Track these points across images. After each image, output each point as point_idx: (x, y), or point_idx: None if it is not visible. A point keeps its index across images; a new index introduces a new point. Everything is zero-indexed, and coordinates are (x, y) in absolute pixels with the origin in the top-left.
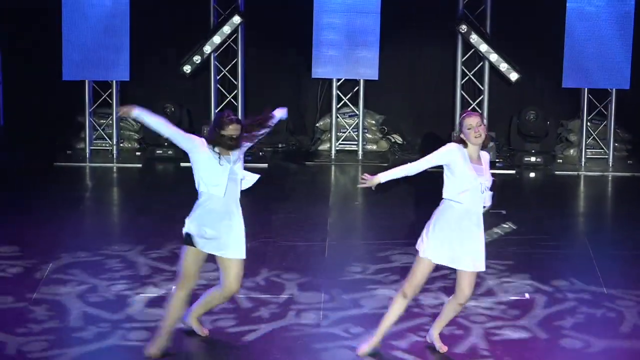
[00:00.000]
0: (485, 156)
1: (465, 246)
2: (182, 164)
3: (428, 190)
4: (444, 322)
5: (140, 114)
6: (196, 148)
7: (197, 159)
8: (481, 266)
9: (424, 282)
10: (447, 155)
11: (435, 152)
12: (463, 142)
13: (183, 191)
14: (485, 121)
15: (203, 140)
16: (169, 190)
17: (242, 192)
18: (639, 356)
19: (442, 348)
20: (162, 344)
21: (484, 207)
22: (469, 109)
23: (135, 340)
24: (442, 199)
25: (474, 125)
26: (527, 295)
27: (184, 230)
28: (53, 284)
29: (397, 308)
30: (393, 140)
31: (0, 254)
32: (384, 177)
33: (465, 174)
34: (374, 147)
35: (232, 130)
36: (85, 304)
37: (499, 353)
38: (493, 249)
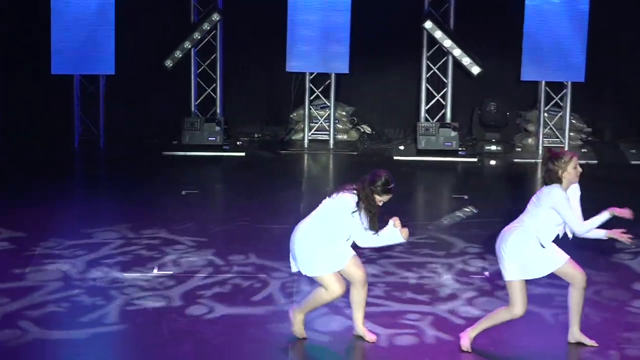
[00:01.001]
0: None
1: None
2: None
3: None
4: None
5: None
6: None
7: None
8: None
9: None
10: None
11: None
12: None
13: None
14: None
15: None
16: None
17: (221, 179)
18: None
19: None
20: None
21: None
22: (433, 101)
23: None
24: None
25: (577, 165)
26: (486, 274)
27: None
28: None
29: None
30: (362, 130)
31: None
32: None
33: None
34: (345, 136)
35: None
36: None
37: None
38: (456, 231)
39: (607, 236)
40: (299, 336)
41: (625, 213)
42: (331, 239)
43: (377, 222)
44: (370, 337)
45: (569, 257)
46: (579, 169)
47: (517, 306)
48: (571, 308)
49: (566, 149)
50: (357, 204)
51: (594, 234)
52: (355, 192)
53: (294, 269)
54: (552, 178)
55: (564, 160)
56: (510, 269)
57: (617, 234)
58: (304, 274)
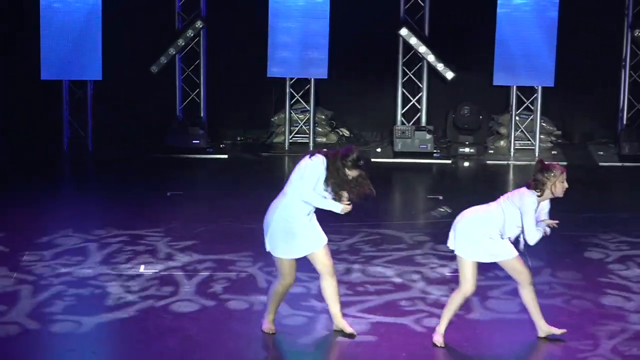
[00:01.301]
0: None
1: None
2: None
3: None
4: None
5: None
6: None
7: None
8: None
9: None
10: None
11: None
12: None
13: None
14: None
15: None
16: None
17: (204, 181)
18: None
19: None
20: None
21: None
22: (409, 105)
23: None
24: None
25: (564, 180)
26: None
27: None
28: None
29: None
30: (341, 133)
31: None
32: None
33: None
34: (324, 139)
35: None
36: None
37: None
38: (432, 231)
39: (544, 232)
40: (270, 332)
41: (553, 222)
42: (307, 212)
43: (341, 194)
44: (349, 330)
45: (518, 254)
46: (566, 185)
47: (467, 285)
48: (528, 306)
49: (537, 151)
50: (327, 167)
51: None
52: (325, 156)
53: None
54: (537, 187)
55: (553, 174)
56: (463, 247)
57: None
58: (268, 250)
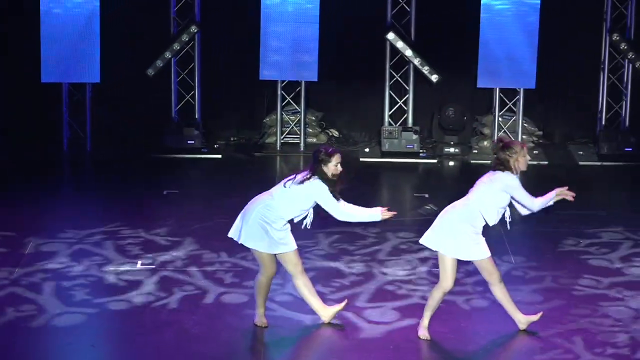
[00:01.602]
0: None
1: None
2: None
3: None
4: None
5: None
6: None
7: None
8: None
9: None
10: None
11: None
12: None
13: None
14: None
15: None
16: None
17: (199, 180)
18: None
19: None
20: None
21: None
22: (396, 106)
23: None
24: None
25: (527, 154)
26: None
27: None
28: None
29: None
30: (330, 134)
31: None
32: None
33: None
34: (314, 139)
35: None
36: None
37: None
38: (418, 227)
39: (556, 197)
40: (262, 325)
41: (568, 194)
42: (287, 219)
43: (338, 189)
44: (329, 317)
45: (490, 255)
46: (528, 158)
47: (446, 280)
48: (502, 302)
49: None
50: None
51: (544, 203)
52: (312, 175)
53: (235, 236)
54: (503, 166)
55: (515, 151)
56: (445, 244)
57: (564, 192)
58: (241, 242)
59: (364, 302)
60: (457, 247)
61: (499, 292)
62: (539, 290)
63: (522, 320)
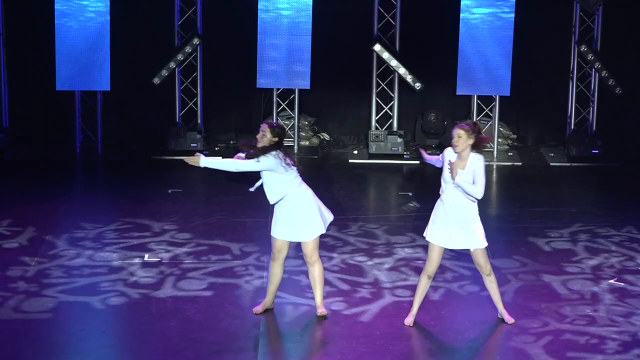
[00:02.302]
0: (473, 158)
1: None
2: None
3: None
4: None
5: (206, 162)
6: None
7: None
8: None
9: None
10: (443, 156)
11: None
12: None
13: None
14: (466, 133)
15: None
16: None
17: (201, 179)
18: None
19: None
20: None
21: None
22: (382, 112)
23: None
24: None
25: (453, 136)
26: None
27: None
28: None
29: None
30: (322, 137)
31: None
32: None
33: (444, 172)
34: (307, 143)
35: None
36: None
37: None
38: (403, 223)
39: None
40: (269, 307)
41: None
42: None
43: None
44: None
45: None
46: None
47: (430, 266)
48: (491, 292)
49: (495, 153)
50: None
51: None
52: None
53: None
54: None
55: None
56: (433, 231)
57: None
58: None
59: (355, 291)
60: (448, 236)
61: (489, 283)
62: (514, 280)
63: (503, 312)
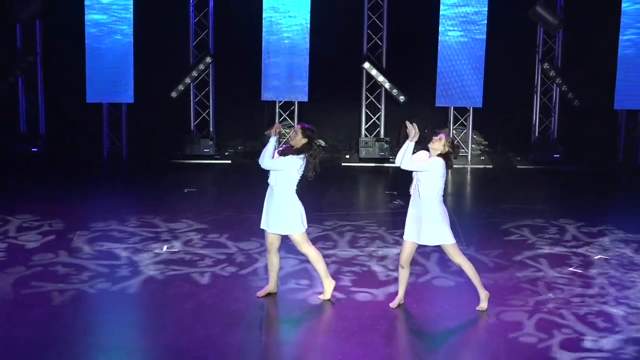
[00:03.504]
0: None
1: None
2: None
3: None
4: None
5: (272, 140)
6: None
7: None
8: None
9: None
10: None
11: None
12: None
13: None
14: (446, 140)
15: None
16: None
17: (213, 180)
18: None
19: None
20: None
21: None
22: (371, 121)
23: None
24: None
25: (434, 137)
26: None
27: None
28: None
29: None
30: (318, 143)
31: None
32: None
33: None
34: None
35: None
36: None
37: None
38: (389, 218)
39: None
40: (272, 291)
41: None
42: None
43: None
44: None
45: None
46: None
47: (402, 257)
48: (470, 277)
49: (469, 157)
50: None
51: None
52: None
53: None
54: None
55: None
56: (406, 227)
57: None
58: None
59: (346, 279)
60: (419, 231)
61: (468, 270)
62: (485, 270)
63: (483, 296)
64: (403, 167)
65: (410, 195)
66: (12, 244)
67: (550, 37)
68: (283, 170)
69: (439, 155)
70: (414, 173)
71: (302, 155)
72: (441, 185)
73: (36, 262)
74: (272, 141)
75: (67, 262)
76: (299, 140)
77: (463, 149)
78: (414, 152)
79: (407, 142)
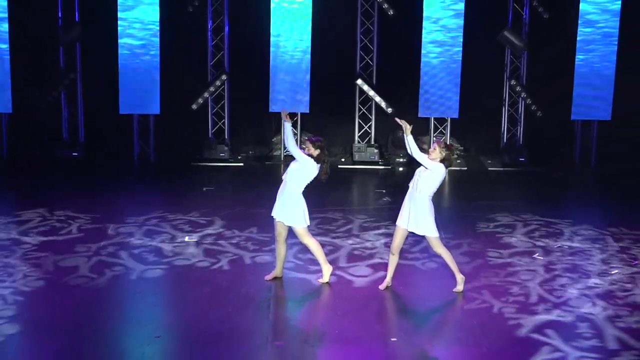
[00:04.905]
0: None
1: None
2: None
3: (334, 177)
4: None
5: (288, 127)
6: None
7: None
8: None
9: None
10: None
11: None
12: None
13: None
14: (439, 147)
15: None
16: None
17: (228, 181)
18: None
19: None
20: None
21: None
22: (363, 129)
23: None
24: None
25: (431, 147)
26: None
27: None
28: None
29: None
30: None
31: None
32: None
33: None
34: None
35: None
36: None
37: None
38: (376, 213)
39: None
40: (278, 275)
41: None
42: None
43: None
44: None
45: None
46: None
47: (393, 244)
48: (447, 262)
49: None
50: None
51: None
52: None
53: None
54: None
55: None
56: (399, 215)
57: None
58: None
59: (342, 264)
60: (413, 220)
61: (445, 255)
62: (461, 257)
63: (458, 279)
64: (414, 155)
65: (407, 188)
66: (50, 237)
67: (516, 58)
68: (299, 171)
69: (441, 161)
70: (415, 171)
71: (318, 165)
72: (436, 187)
73: (77, 251)
74: (288, 126)
75: (104, 251)
76: (314, 152)
77: (456, 146)
78: (403, 163)
79: (405, 136)
